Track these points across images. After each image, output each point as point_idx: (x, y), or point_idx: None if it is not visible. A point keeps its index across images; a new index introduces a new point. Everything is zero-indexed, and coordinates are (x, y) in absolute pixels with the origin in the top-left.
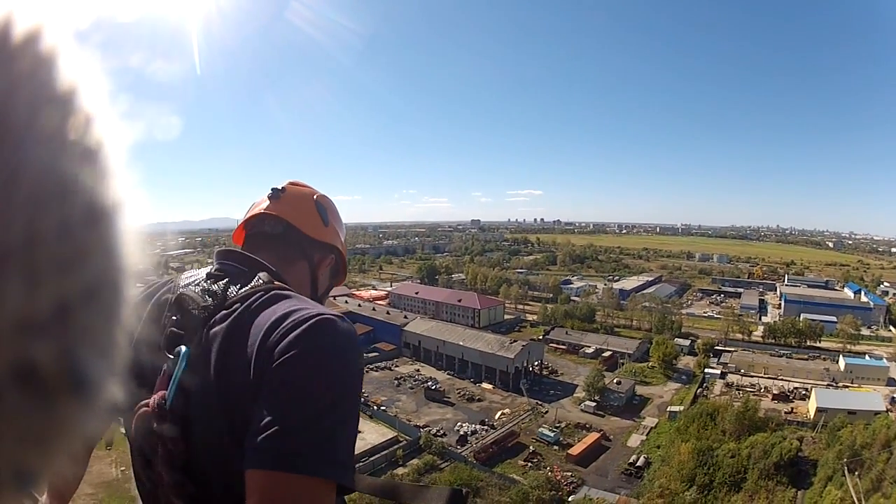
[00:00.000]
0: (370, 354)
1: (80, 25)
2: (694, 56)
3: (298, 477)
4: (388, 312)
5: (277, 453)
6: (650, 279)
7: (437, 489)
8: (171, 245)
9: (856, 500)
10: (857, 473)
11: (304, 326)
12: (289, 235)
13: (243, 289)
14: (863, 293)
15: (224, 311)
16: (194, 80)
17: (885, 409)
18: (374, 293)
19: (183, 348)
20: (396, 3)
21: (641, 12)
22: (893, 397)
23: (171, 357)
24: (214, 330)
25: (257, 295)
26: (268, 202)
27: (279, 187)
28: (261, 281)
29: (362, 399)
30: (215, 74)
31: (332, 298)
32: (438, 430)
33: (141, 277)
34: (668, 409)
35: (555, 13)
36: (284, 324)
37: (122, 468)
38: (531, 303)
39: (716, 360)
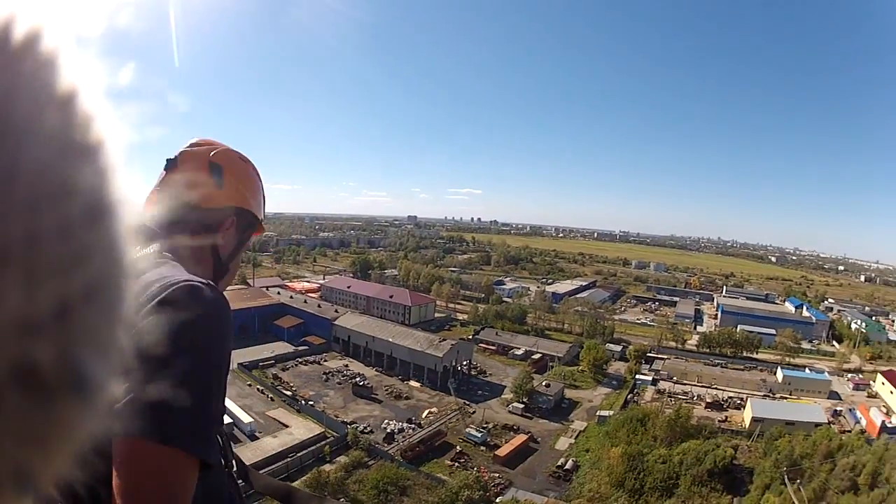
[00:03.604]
0: (300, 348)
1: (81, 25)
2: (639, 61)
3: (152, 444)
4: (319, 305)
5: (133, 420)
6: (584, 284)
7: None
8: None
9: None
10: (797, 482)
11: (165, 293)
12: (181, 215)
13: None
14: (805, 308)
15: None
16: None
17: (826, 421)
18: (306, 285)
19: None
20: None
21: (587, 10)
22: (835, 410)
23: None
24: None
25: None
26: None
27: (173, 156)
28: (148, 251)
29: (290, 392)
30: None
31: (264, 289)
32: (366, 427)
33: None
34: (597, 414)
35: (503, 12)
36: (149, 291)
37: None
38: (463, 302)
39: (648, 366)
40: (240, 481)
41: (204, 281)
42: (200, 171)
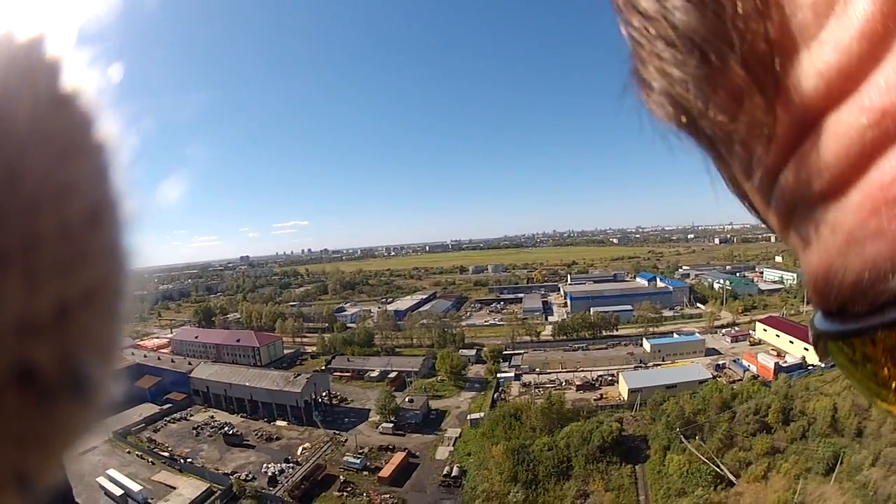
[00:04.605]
0: (165, 406)
1: (83, 26)
2: (443, 73)
3: None
4: (172, 360)
5: None
6: (424, 297)
7: None
8: None
9: (706, 461)
10: (698, 438)
11: None
12: None
13: None
14: (658, 279)
15: None
16: None
17: (710, 376)
18: (156, 342)
19: None
20: None
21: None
22: (718, 364)
23: None
24: None
25: None
26: None
27: None
28: None
29: (168, 453)
30: None
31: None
32: (247, 475)
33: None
34: (468, 418)
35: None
36: None
37: None
38: (308, 334)
39: (507, 363)
40: None
41: None
42: None
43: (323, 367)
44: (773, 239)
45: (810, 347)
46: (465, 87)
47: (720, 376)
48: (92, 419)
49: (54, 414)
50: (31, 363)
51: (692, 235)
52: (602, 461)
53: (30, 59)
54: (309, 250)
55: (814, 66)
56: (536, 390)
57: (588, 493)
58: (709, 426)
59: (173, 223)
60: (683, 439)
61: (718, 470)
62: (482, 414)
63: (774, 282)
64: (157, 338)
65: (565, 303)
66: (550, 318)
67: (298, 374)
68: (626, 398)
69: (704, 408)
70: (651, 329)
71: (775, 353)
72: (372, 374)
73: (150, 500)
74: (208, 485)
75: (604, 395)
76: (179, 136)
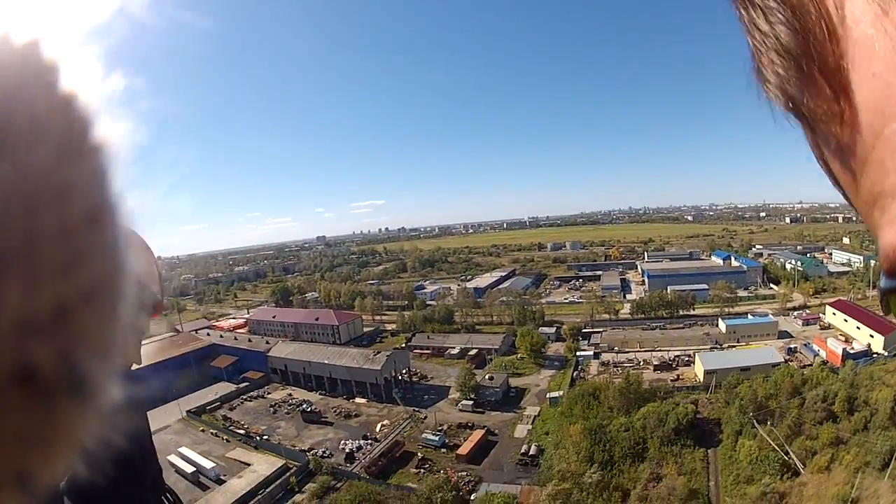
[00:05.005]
0: (241, 385)
1: (83, 26)
2: (541, 55)
3: None
4: (249, 340)
5: None
6: (504, 274)
7: None
8: None
9: (776, 448)
10: (769, 423)
11: None
12: None
13: None
14: (733, 258)
15: None
16: None
17: (782, 360)
18: (233, 322)
19: None
20: None
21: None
22: (790, 348)
23: None
24: None
25: None
26: None
27: None
28: None
29: (243, 430)
30: None
31: (194, 333)
32: (324, 451)
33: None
34: (547, 396)
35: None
36: None
37: None
38: (388, 312)
39: (586, 342)
40: None
41: None
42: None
43: (403, 345)
44: (840, 219)
45: (875, 334)
46: (542, 63)
47: (792, 360)
48: (92, 419)
49: (54, 414)
50: (31, 363)
51: (764, 214)
52: (676, 444)
53: (29, 61)
54: (386, 229)
55: (871, 82)
56: (615, 369)
57: (661, 477)
58: (779, 412)
59: (246, 205)
60: (755, 424)
61: (787, 458)
62: (561, 392)
63: (843, 264)
64: (234, 318)
65: (643, 280)
66: (628, 296)
67: (378, 352)
68: (701, 379)
69: (776, 392)
70: (726, 309)
71: (843, 338)
72: (452, 352)
73: (223, 477)
74: (284, 461)
75: (680, 376)
76: (249, 123)
